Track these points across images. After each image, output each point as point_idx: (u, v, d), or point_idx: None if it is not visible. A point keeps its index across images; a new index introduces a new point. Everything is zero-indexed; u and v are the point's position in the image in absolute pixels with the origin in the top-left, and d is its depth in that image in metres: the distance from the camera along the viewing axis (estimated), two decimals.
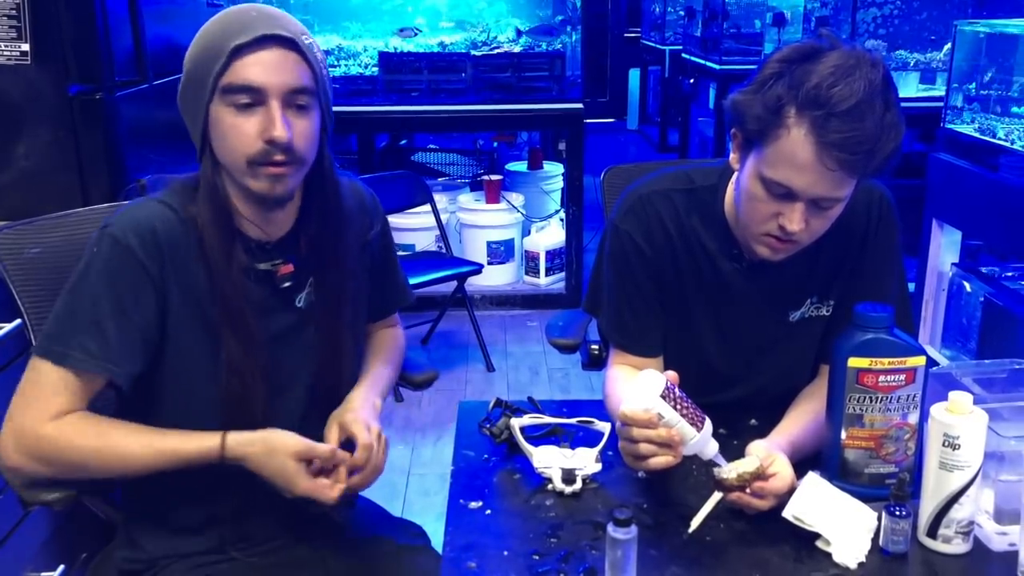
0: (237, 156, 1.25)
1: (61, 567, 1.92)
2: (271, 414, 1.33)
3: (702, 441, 1.20)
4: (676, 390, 1.20)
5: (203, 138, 1.27)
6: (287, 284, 1.35)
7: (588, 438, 1.44)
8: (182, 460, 1.26)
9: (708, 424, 1.21)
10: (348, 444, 1.33)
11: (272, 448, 1.27)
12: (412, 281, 3.90)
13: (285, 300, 1.37)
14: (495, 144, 5.40)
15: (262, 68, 1.22)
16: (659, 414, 1.18)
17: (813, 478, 1.22)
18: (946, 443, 1.15)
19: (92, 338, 1.23)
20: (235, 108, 1.23)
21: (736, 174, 1.39)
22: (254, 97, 1.22)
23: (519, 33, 4.47)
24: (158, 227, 1.26)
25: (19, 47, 2.13)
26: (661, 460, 1.19)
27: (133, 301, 1.25)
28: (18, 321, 1.46)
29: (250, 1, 1.38)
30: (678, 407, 1.18)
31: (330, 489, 1.29)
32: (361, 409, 1.38)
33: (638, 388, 1.20)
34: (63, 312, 1.25)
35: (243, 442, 1.26)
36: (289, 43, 1.23)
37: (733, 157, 1.38)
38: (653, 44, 7.84)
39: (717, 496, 1.21)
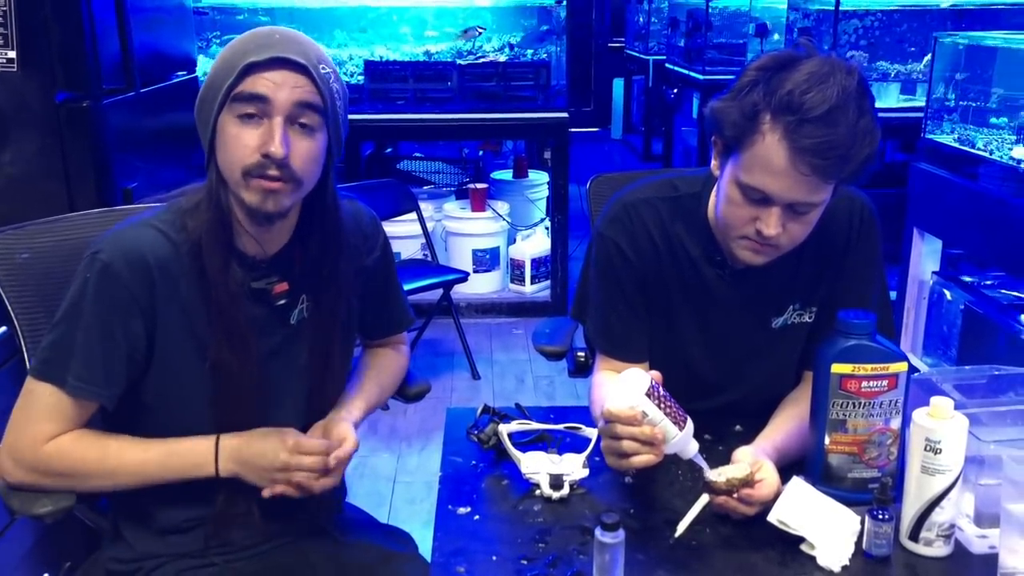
0: (234, 166, 1.26)
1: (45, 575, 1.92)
2: (261, 422, 1.34)
3: (684, 440, 1.22)
4: (660, 389, 1.21)
5: (211, 148, 1.29)
6: (282, 302, 1.37)
7: (575, 444, 1.45)
8: (180, 462, 1.30)
9: (690, 424, 1.22)
10: None
11: (263, 432, 1.32)
12: None
13: (279, 317, 1.38)
14: (480, 152, 5.41)
15: (271, 84, 1.24)
16: (643, 412, 1.19)
17: (797, 483, 1.24)
18: (928, 448, 1.17)
19: (85, 366, 1.26)
20: (240, 119, 1.24)
21: (717, 180, 1.41)
22: (259, 108, 1.24)
23: (511, 47, 4.50)
24: (147, 253, 1.28)
25: (6, 54, 2.13)
26: (643, 458, 1.20)
27: (121, 327, 1.28)
28: (4, 328, 1.46)
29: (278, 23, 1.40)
30: (662, 406, 1.20)
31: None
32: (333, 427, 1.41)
33: (623, 386, 1.21)
34: (59, 338, 1.28)
35: (236, 435, 1.31)
36: (301, 68, 1.25)
37: (714, 164, 1.40)
38: (637, 54, 7.87)
39: (703, 501, 1.23)
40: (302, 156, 1.26)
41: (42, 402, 1.27)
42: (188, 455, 1.31)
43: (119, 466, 1.30)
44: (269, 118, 1.24)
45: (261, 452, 1.31)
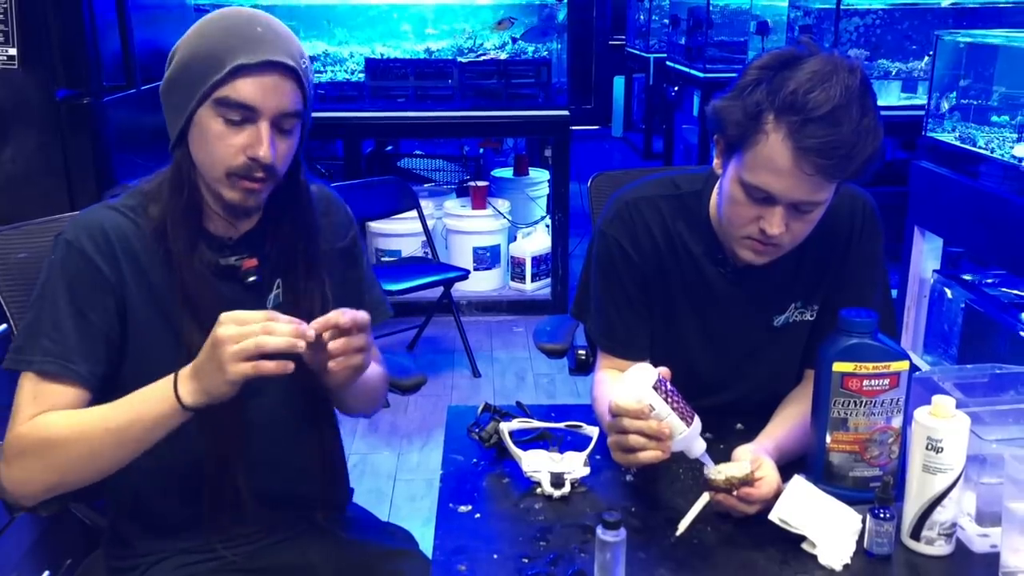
0: (217, 166, 1.26)
1: (46, 573, 1.92)
2: (244, 411, 1.32)
3: (690, 437, 1.21)
4: (667, 384, 1.21)
5: (182, 133, 1.28)
6: (252, 279, 1.35)
7: (576, 442, 1.45)
8: (143, 403, 1.20)
9: (697, 421, 1.22)
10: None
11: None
12: (398, 287, 3.86)
13: (255, 300, 1.36)
14: (481, 150, 5.41)
15: (261, 91, 1.23)
16: (650, 405, 1.19)
17: (799, 481, 1.24)
18: (929, 446, 1.16)
19: (51, 339, 1.25)
20: (225, 121, 1.24)
21: (720, 179, 1.41)
22: (246, 115, 1.24)
23: (514, 41, 4.50)
24: (108, 229, 1.28)
25: (7, 51, 2.13)
26: (650, 454, 1.20)
27: (90, 303, 1.26)
28: (4, 326, 1.46)
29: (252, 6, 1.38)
30: (669, 400, 1.19)
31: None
32: None
33: (630, 380, 1.21)
34: (27, 323, 1.28)
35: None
36: (290, 70, 1.24)
37: (716, 162, 1.40)
38: (638, 52, 7.87)
39: (704, 499, 1.23)
40: (284, 155, 1.28)
41: (22, 392, 1.26)
42: (149, 392, 1.20)
43: (89, 427, 1.21)
44: (254, 122, 1.24)
45: (204, 348, 1.17)
